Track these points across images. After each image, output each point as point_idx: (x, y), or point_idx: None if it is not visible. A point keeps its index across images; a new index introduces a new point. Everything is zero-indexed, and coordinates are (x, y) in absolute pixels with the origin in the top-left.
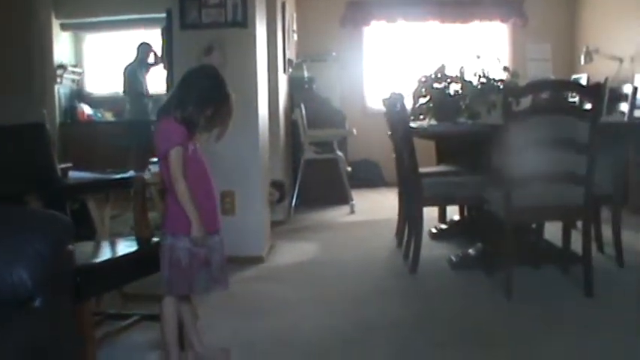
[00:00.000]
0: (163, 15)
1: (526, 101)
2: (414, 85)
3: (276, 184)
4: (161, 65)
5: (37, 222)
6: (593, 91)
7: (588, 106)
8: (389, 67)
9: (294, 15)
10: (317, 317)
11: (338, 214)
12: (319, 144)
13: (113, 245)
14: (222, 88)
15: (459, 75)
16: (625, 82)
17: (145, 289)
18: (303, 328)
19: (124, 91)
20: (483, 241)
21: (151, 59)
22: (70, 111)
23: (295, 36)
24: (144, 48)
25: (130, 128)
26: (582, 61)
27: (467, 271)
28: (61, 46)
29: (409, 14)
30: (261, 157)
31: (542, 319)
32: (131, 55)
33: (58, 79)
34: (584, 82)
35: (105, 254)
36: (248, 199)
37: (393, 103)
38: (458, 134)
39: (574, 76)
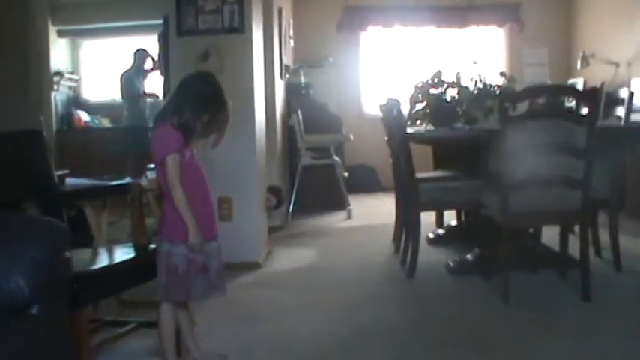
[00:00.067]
0: (160, 21)
1: (523, 106)
2: (410, 91)
3: (273, 190)
4: (158, 71)
5: (34, 229)
6: (590, 95)
7: (585, 110)
8: (386, 73)
9: (291, 21)
10: (315, 323)
11: (335, 219)
12: (316, 149)
13: (110, 252)
14: (219, 95)
15: (455, 80)
16: (621, 86)
17: (142, 295)
18: (300, 333)
19: (122, 97)
20: (481, 246)
21: (147, 65)
22: (67, 118)
23: (292, 42)
24: (140, 54)
25: (127, 135)
26: (579, 66)
27: (464, 276)
28: (58, 52)
29: (406, 19)
30: (258, 162)
31: (539, 323)
32: (128, 62)
33: (55, 86)
34: (580, 86)
35: (102, 261)
36: (245, 205)
37: (390, 108)
38: (455, 139)
39: (570, 81)
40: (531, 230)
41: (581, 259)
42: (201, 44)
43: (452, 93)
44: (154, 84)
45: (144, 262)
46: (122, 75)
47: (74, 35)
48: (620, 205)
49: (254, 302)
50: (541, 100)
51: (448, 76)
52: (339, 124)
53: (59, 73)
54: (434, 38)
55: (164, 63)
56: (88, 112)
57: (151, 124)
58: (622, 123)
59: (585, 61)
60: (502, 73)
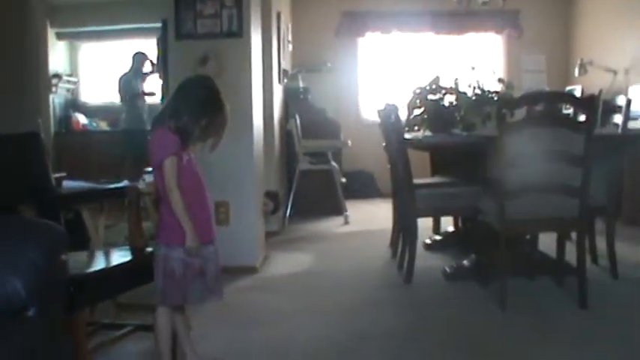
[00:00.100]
0: (159, 25)
1: (521, 113)
2: (408, 97)
3: (270, 195)
4: (157, 74)
5: (31, 231)
6: (588, 103)
7: (582, 118)
8: (384, 78)
9: (290, 25)
10: (312, 327)
11: (332, 224)
12: (314, 154)
13: (107, 255)
14: (217, 99)
15: (453, 86)
16: (619, 93)
17: (139, 299)
18: (297, 338)
19: (121, 100)
20: (477, 252)
21: (146, 68)
22: (65, 120)
23: (290, 46)
24: (139, 57)
25: (125, 138)
26: (577, 73)
27: (461, 282)
28: (57, 55)
29: (404, 25)
30: (255, 167)
31: (536, 330)
32: (126, 65)
33: (53, 89)
34: (578, 93)
35: (99, 264)
36: (242, 210)
37: (388, 114)
38: (452, 145)
39: (568, 88)
40: (528, 237)
41: (578, 266)
42: (200, 48)
43: (450, 99)
44: (153, 87)
45: (141, 266)
46: (120, 78)
47: (73, 38)
48: (617, 212)
49: (251, 307)
50: (539, 107)
51: (446, 82)
52: (336, 129)
53: (57, 76)
54: (432, 44)
55: (163, 66)
56: (86, 115)
57: (149, 127)
58: (619, 130)
59: (583, 68)
60: (500, 80)
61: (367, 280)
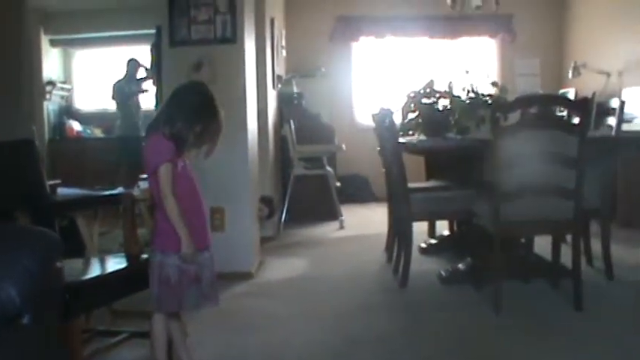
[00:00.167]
0: (153, 31)
1: (515, 116)
2: (402, 101)
3: (265, 200)
4: (151, 80)
5: (25, 238)
6: (581, 105)
7: (576, 120)
8: (378, 83)
9: (283, 31)
10: (307, 332)
11: (327, 229)
12: (309, 159)
13: (102, 262)
14: (212, 105)
15: (447, 90)
16: (612, 96)
17: (134, 305)
18: (293, 343)
19: (116, 107)
20: (473, 255)
21: (140, 74)
22: (59, 127)
23: (284, 52)
24: (132, 64)
25: (120, 144)
26: (570, 76)
27: (456, 285)
28: (51, 62)
29: (398, 30)
30: (250, 172)
31: (531, 332)
32: (120, 71)
33: (47, 96)
34: (572, 96)
35: (94, 271)
36: (237, 215)
37: (382, 118)
38: (447, 149)
39: (562, 91)
40: (523, 240)
41: (573, 268)
42: (194, 54)
43: (444, 103)
44: (147, 90)
45: (136, 273)
46: (115, 84)
47: (66, 45)
48: (612, 214)
49: (246, 312)
50: (533, 110)
51: (440, 86)
52: (331, 134)
53: (51, 83)
54: (426, 49)
55: (156, 73)
56: (80, 122)
57: (143, 134)
58: (613, 132)
59: (577, 71)
60: (494, 83)
61: (362, 285)
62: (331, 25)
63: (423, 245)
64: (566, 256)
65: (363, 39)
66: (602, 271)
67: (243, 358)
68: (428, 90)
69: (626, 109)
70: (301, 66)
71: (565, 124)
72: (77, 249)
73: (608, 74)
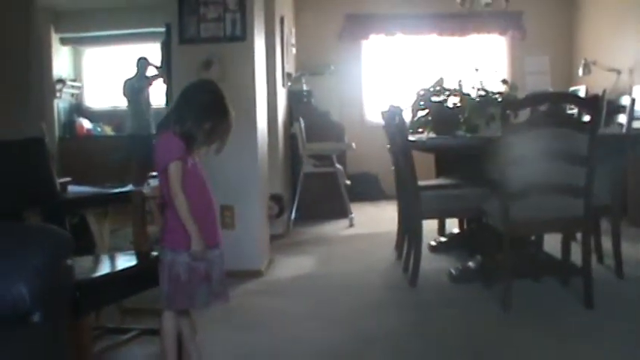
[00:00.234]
0: (162, 29)
1: (524, 114)
2: (412, 98)
3: (275, 198)
4: (161, 78)
5: (36, 237)
6: (592, 103)
7: (587, 118)
8: (387, 81)
9: (293, 29)
10: (316, 330)
11: (337, 227)
12: (318, 157)
13: (112, 259)
14: (221, 103)
15: (457, 88)
16: (623, 93)
17: (144, 303)
18: (302, 341)
19: (127, 105)
20: (483, 253)
21: (150, 72)
22: (69, 125)
23: (294, 50)
24: (142, 62)
25: (130, 142)
26: (580, 73)
27: (466, 283)
28: (61, 60)
29: (407, 27)
30: (260, 171)
31: (541, 330)
32: (130, 70)
33: (58, 94)
34: (582, 94)
35: (104, 268)
36: (247, 213)
37: (392, 116)
38: (457, 147)
39: (572, 88)
40: (533, 238)
41: (584, 266)
42: (204, 52)
43: (454, 101)
44: (158, 92)
45: (146, 270)
46: (125, 83)
47: (77, 43)
48: (622, 212)
49: (256, 310)
50: (543, 108)
51: (450, 84)
52: (341, 131)
53: (61, 81)
54: (435, 46)
55: (166, 71)
56: (90, 120)
57: (154, 131)
58: (624, 130)
59: (587, 68)
60: (504, 81)
61: (372, 283)
62: (340, 23)
63: (433, 243)
64: (576, 254)
65: (372, 37)
66: (612, 268)
67: (253, 356)
68: (437, 88)
69: (636, 107)
70: (311, 64)
71: (575, 122)
72: (88, 246)
73: (619, 72)
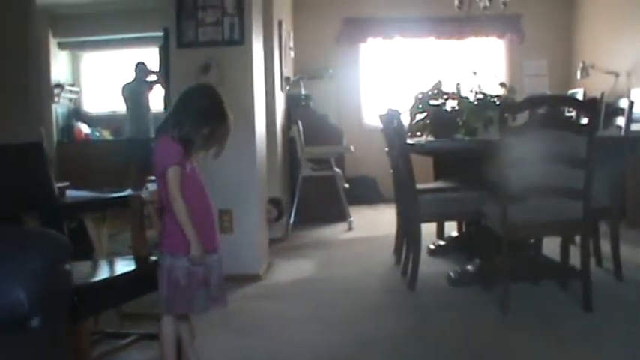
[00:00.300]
0: (160, 34)
1: (523, 117)
2: (410, 102)
3: (273, 202)
4: (159, 83)
5: (34, 241)
6: (590, 105)
7: (585, 120)
8: (386, 84)
9: (291, 33)
10: (315, 334)
11: (336, 231)
12: (317, 161)
13: (111, 264)
14: (220, 108)
15: (455, 91)
16: (621, 96)
17: (143, 307)
18: (301, 345)
19: (126, 110)
20: (482, 256)
21: (149, 77)
22: (68, 130)
23: (292, 53)
24: (141, 67)
25: (128, 147)
26: (578, 76)
27: (465, 287)
28: (59, 65)
29: (405, 31)
30: (258, 174)
31: (540, 333)
32: (128, 74)
33: (56, 98)
34: (580, 97)
35: (103, 273)
36: (246, 218)
37: (390, 119)
38: (455, 150)
39: (570, 91)
40: (532, 241)
41: (582, 269)
42: (202, 56)
43: (452, 104)
44: (156, 96)
45: (144, 275)
46: (124, 87)
47: (75, 47)
48: (621, 214)
49: (255, 314)
50: (541, 111)
51: (448, 87)
52: (339, 135)
53: (60, 86)
54: (433, 49)
55: (165, 75)
56: (89, 125)
57: (153, 136)
58: (622, 133)
59: (585, 71)
60: (502, 84)
61: (371, 286)
62: (338, 27)
63: (432, 246)
64: (575, 257)
65: (370, 40)
66: (611, 271)
67: None
68: (436, 91)
69: (635, 109)
70: (309, 67)
71: (573, 125)
72: (86, 251)
73: (617, 74)
